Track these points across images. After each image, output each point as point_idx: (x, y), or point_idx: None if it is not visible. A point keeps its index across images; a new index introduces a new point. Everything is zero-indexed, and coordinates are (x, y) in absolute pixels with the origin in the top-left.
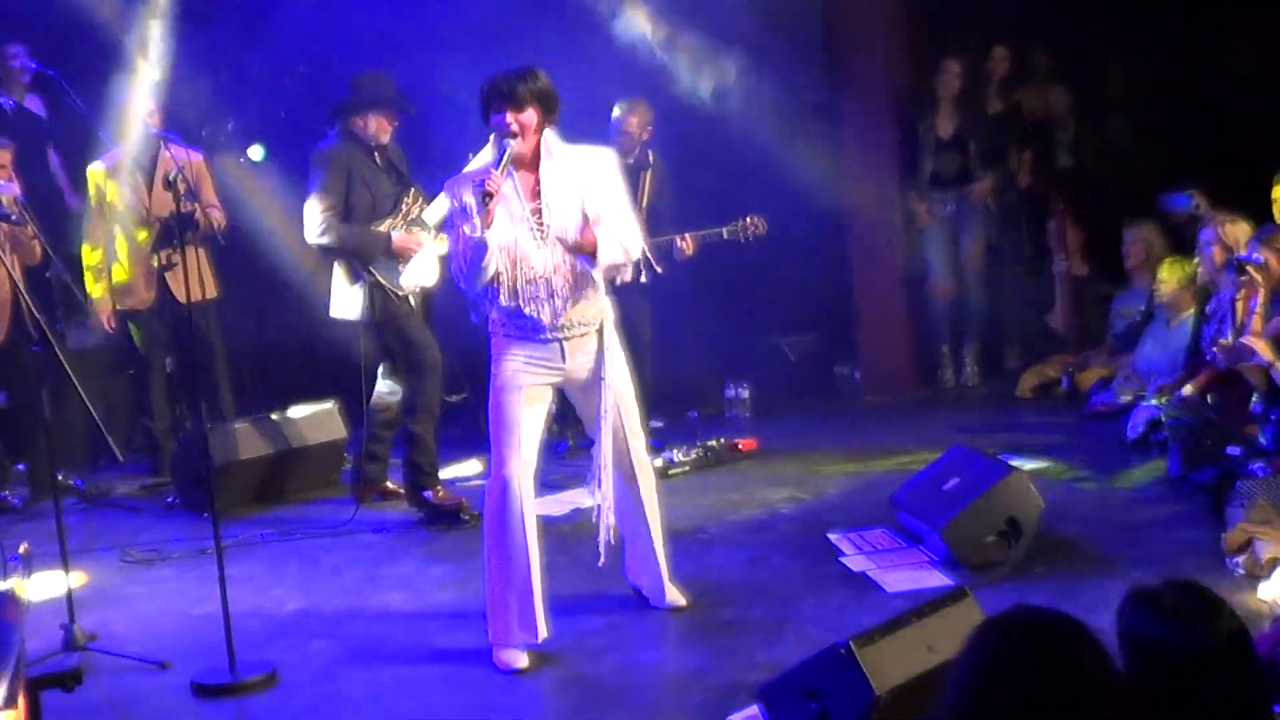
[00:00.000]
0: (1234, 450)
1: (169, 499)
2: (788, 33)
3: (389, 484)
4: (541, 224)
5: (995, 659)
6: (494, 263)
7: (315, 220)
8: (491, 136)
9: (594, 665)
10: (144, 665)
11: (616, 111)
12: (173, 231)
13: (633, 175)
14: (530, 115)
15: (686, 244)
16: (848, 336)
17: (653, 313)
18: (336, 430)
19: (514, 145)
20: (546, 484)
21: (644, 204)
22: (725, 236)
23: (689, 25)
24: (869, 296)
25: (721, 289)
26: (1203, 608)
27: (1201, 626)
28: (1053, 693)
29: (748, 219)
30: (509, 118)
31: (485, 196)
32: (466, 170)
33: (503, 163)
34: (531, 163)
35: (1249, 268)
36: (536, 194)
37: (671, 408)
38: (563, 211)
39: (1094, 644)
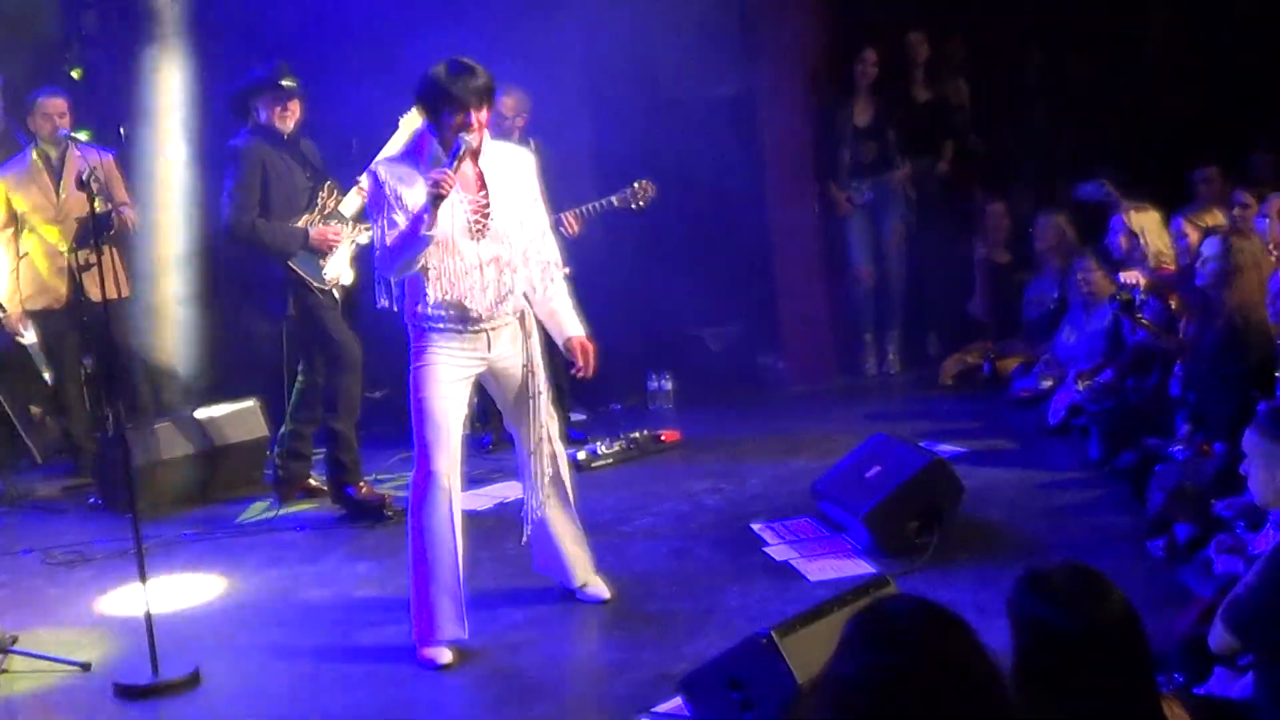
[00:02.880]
0: (1154, 434)
1: (91, 500)
2: (704, 23)
3: (311, 481)
4: (485, 217)
5: (870, 646)
6: (425, 255)
7: (232, 217)
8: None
9: (517, 659)
10: (65, 667)
11: None
12: (89, 231)
13: None
14: (485, 113)
15: (570, 223)
16: (770, 326)
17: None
18: (258, 428)
19: (471, 142)
20: (471, 479)
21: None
22: (616, 205)
23: (604, 14)
24: (790, 286)
25: (643, 280)
26: (1091, 590)
27: (1090, 608)
28: (929, 680)
29: (636, 185)
30: (474, 116)
31: (436, 198)
32: (388, 157)
33: (456, 161)
34: (472, 156)
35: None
36: (480, 186)
37: (594, 400)
38: (505, 207)
39: (965, 631)
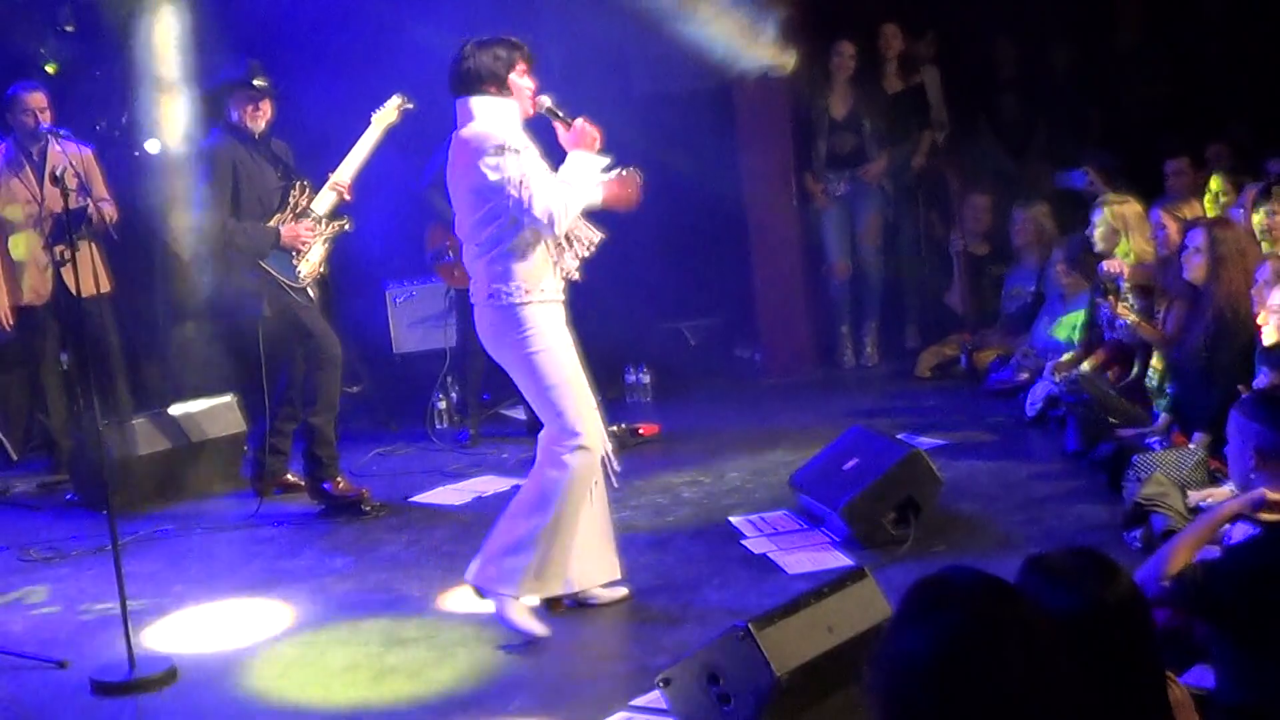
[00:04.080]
0: (1131, 425)
1: (68, 496)
2: (681, 17)
3: (289, 477)
4: None
5: (937, 618)
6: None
7: (204, 217)
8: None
9: (497, 653)
10: (42, 664)
11: None
12: (65, 226)
13: None
14: None
15: None
16: (748, 319)
17: None
18: (236, 424)
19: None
20: (446, 473)
21: None
22: None
23: (580, 8)
24: (768, 279)
25: (621, 273)
26: (1097, 570)
27: (1096, 587)
28: (1001, 652)
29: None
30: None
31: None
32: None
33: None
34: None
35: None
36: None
37: None
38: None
39: (1027, 602)
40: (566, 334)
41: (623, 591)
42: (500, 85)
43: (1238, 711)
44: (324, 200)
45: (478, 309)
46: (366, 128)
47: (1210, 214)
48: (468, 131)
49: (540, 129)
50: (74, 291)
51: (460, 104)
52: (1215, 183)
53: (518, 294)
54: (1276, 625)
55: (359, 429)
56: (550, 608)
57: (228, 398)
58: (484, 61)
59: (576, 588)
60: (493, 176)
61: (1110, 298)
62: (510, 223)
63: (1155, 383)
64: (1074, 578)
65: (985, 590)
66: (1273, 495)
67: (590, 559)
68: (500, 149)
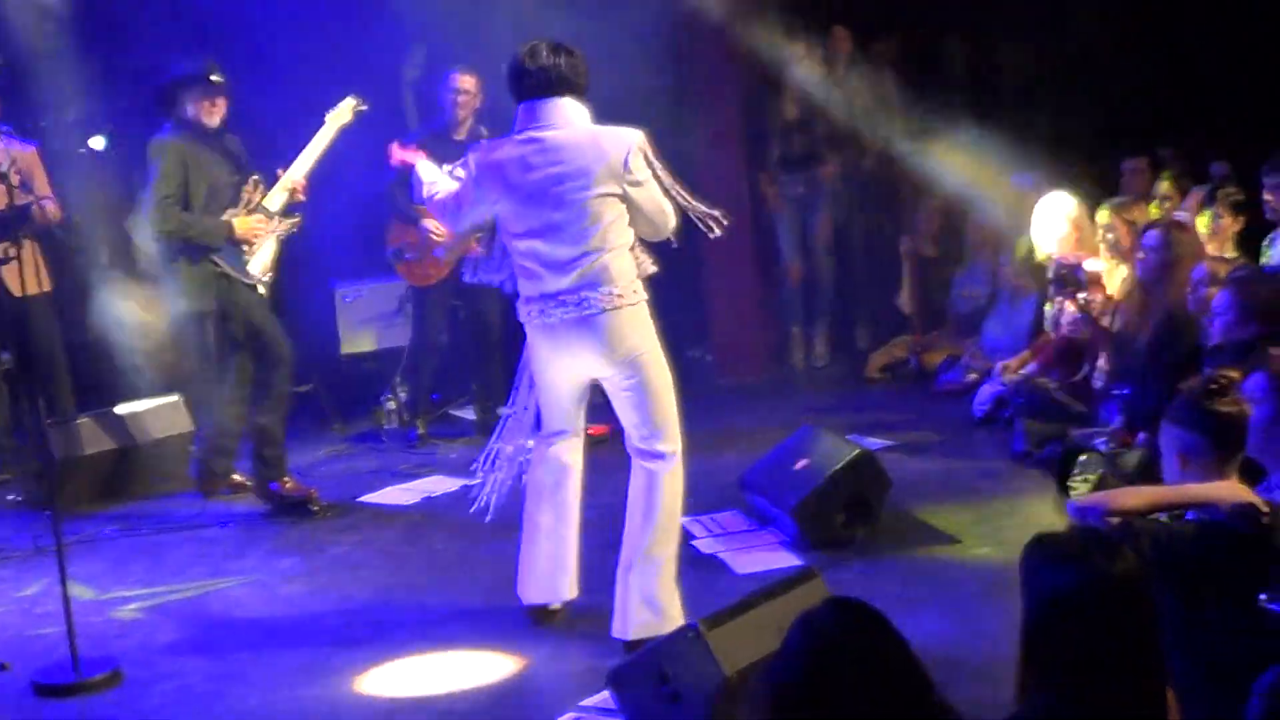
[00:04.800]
0: (1078, 426)
1: (10, 496)
2: (635, 17)
3: (236, 477)
4: None
5: (808, 654)
6: None
7: (155, 211)
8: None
9: (444, 656)
10: None
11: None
12: (7, 225)
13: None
14: None
15: None
16: (699, 319)
17: (503, 300)
18: (182, 424)
19: None
20: (395, 473)
21: None
22: None
23: (535, 7)
24: (720, 279)
25: None
26: (1101, 547)
27: (1099, 561)
28: (860, 687)
29: None
30: None
31: None
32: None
33: None
34: None
35: (1068, 277)
36: None
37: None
38: None
39: (897, 639)
40: None
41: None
42: (584, 90)
43: None
44: (277, 197)
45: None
46: (320, 127)
47: (1154, 217)
48: (597, 129)
49: None
50: (15, 291)
51: (548, 103)
52: (1164, 186)
53: (641, 291)
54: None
55: (307, 429)
56: (540, 619)
57: (174, 397)
58: (576, 64)
59: (566, 597)
60: (643, 174)
61: (1069, 289)
62: (627, 222)
63: (1102, 383)
64: (1078, 554)
65: (851, 621)
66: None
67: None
68: (644, 148)
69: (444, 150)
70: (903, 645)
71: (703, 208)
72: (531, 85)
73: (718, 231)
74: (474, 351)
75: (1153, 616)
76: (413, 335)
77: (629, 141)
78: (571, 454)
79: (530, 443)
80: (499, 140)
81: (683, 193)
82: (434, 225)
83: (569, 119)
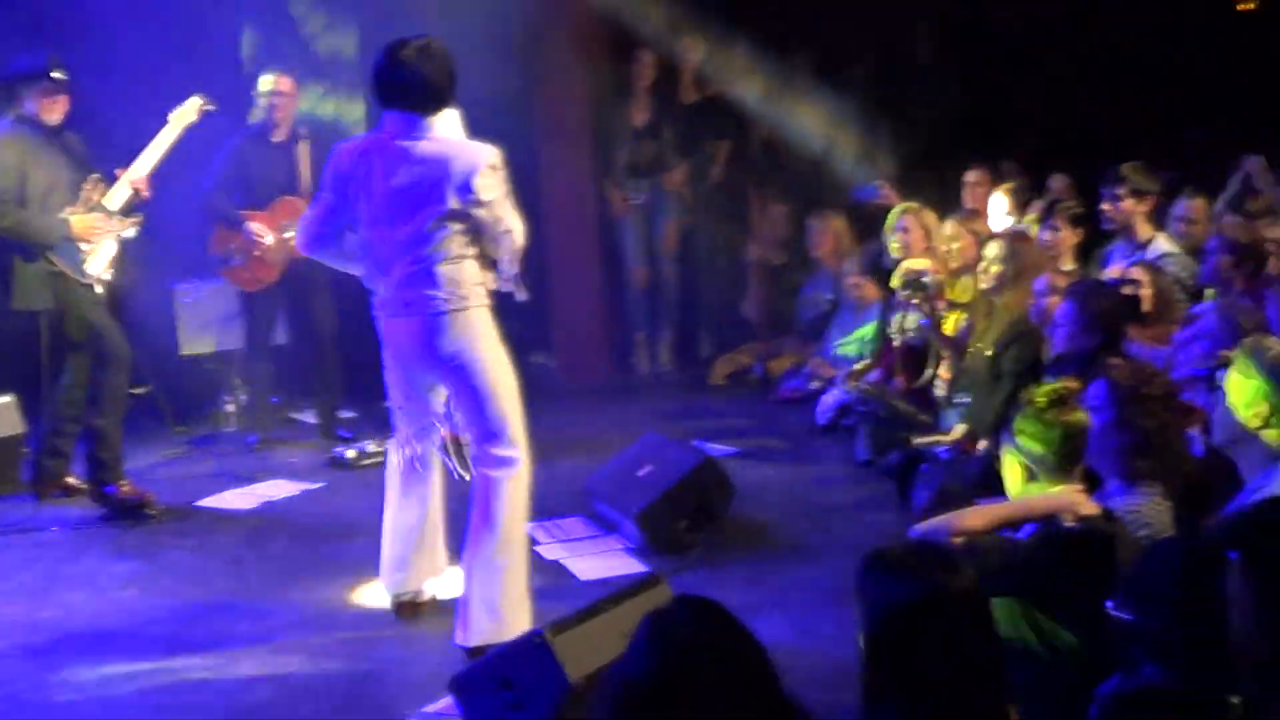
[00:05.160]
0: (920, 434)
1: None
2: (483, 21)
3: (71, 479)
4: None
5: (658, 651)
6: None
7: None
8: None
9: (285, 661)
10: None
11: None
12: None
13: (289, 150)
14: None
15: None
16: (543, 325)
17: (334, 302)
18: (14, 424)
19: None
20: (234, 477)
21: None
22: None
23: (381, 12)
24: (565, 285)
25: None
26: (938, 561)
27: (936, 576)
28: (710, 684)
29: None
30: None
31: None
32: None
33: None
34: None
35: (916, 284)
36: None
37: (365, 398)
38: None
39: (747, 637)
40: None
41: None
42: (448, 92)
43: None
44: (117, 196)
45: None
46: (164, 126)
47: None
48: (450, 143)
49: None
50: None
51: (414, 120)
52: (1004, 198)
53: (475, 296)
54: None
55: (145, 431)
56: (399, 611)
57: (7, 397)
58: (440, 68)
59: (413, 586)
60: (487, 195)
61: (918, 296)
62: (472, 235)
63: (944, 391)
64: (915, 569)
65: (707, 622)
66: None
67: (426, 556)
68: (495, 167)
69: (263, 153)
70: (754, 644)
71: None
72: (396, 97)
73: (520, 296)
74: (307, 354)
75: (991, 630)
76: (244, 340)
77: (477, 160)
78: (426, 448)
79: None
80: (361, 141)
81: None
82: (258, 228)
83: (428, 130)
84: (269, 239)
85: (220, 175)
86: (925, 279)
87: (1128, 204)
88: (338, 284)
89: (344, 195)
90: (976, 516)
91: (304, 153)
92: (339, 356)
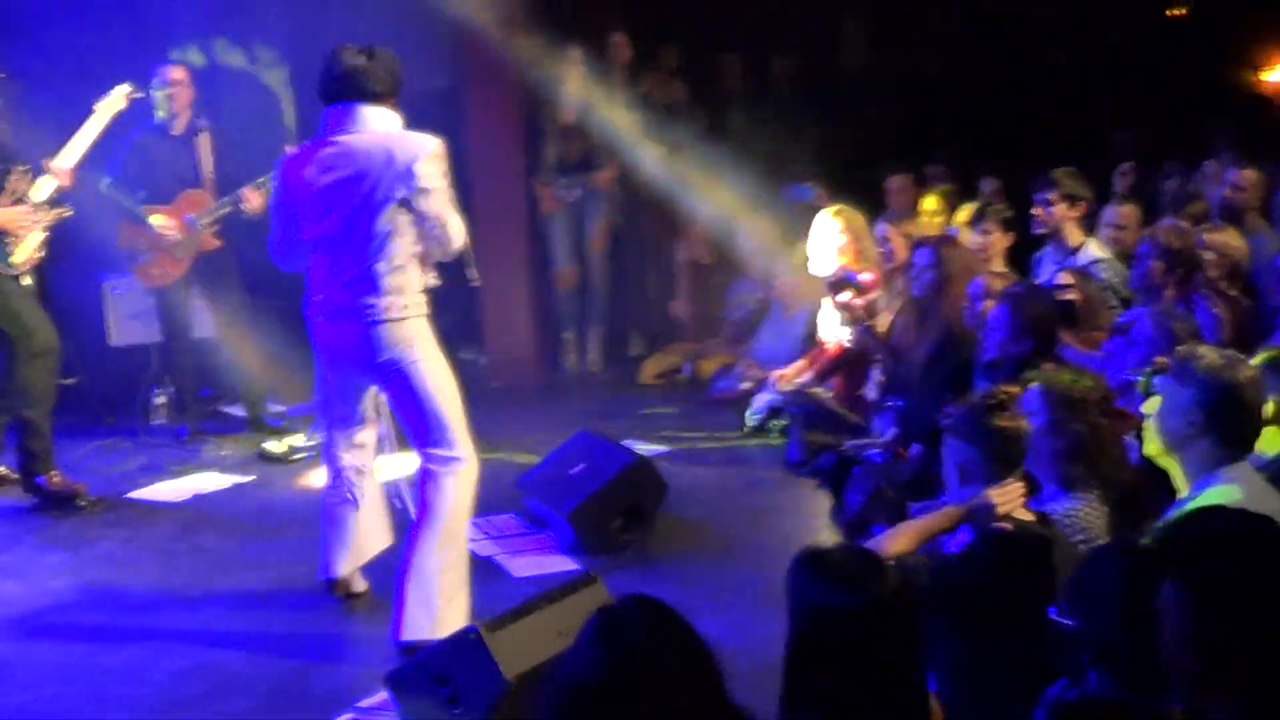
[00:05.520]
0: (852, 436)
1: None
2: (412, 17)
3: (0, 470)
4: None
5: (607, 648)
6: None
7: None
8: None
9: (217, 653)
10: None
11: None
12: None
13: (189, 142)
14: None
15: (251, 198)
16: (472, 322)
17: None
18: None
19: None
20: (164, 469)
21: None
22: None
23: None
24: (494, 282)
25: None
26: (869, 567)
27: (867, 585)
28: (657, 683)
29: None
30: None
31: None
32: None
33: None
34: None
35: (850, 285)
36: None
37: (297, 392)
38: None
39: (694, 638)
40: None
41: (366, 583)
42: (391, 93)
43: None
44: (44, 187)
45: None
46: (90, 115)
47: (925, 233)
48: (392, 134)
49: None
50: None
51: (349, 109)
52: (930, 202)
53: (415, 306)
54: (994, 621)
55: (74, 422)
56: (333, 589)
57: None
58: (380, 67)
59: (348, 571)
60: (431, 183)
61: (850, 294)
62: (414, 236)
63: (876, 395)
64: (846, 574)
65: (655, 621)
66: (998, 500)
67: (372, 534)
68: (438, 155)
69: (163, 146)
70: (701, 645)
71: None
72: (333, 89)
73: (474, 282)
74: (225, 347)
75: (916, 636)
76: (162, 335)
77: (419, 148)
78: (361, 437)
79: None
80: (300, 148)
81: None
82: (162, 222)
83: (364, 122)
84: (174, 234)
85: (119, 170)
86: (853, 279)
87: (1059, 209)
88: (249, 277)
89: (289, 200)
90: (900, 540)
91: (205, 144)
92: (258, 349)
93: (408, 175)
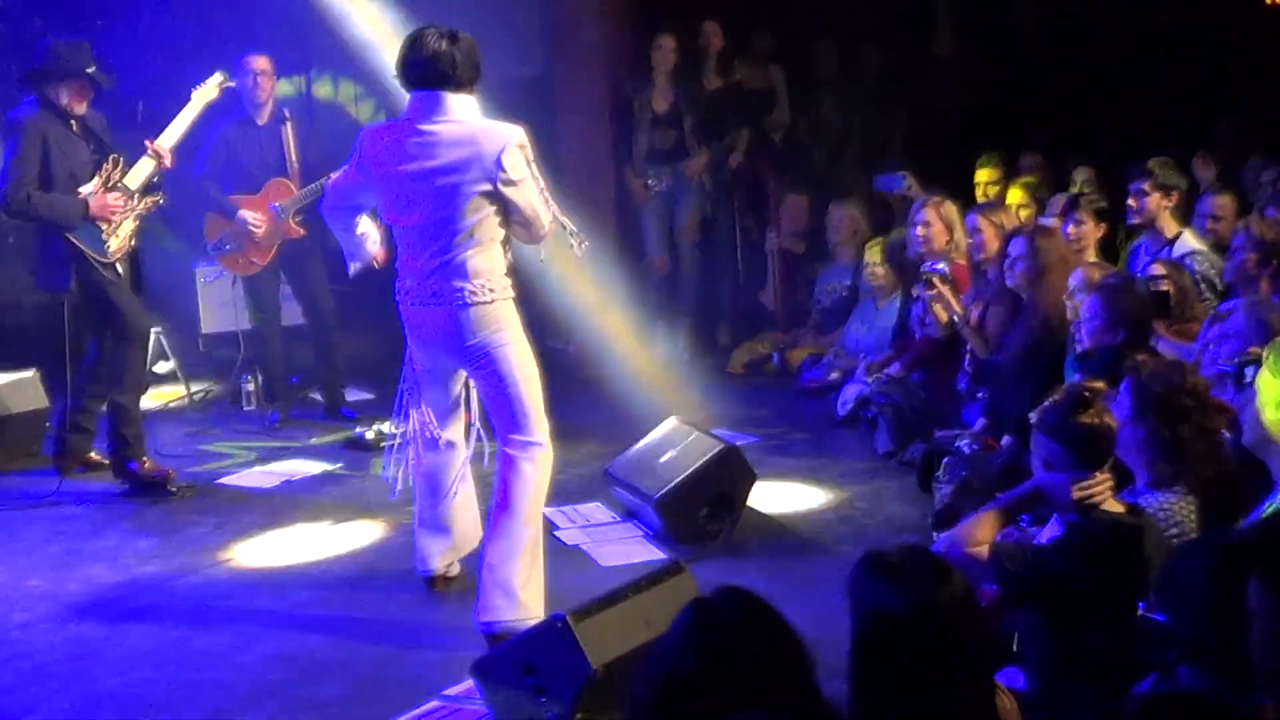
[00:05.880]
0: (941, 427)
1: None
2: (502, 5)
3: (93, 455)
4: None
5: (701, 640)
6: None
7: (9, 189)
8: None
9: (307, 639)
10: None
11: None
12: None
13: (275, 132)
14: None
15: None
16: (562, 310)
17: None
18: (38, 399)
19: None
20: (259, 457)
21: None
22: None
23: None
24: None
25: None
26: (930, 572)
27: (927, 589)
28: (750, 675)
29: None
30: None
31: None
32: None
33: None
34: None
35: (934, 279)
36: None
37: (381, 380)
38: None
39: (787, 630)
40: None
41: (458, 569)
42: (472, 80)
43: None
44: (138, 174)
45: (455, 308)
46: (187, 103)
47: (1018, 222)
48: (477, 124)
49: None
50: None
51: (435, 97)
52: (1014, 195)
53: (502, 289)
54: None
55: (168, 408)
56: (432, 585)
57: (29, 372)
58: (463, 53)
59: (445, 562)
60: (517, 173)
61: (936, 289)
62: (500, 222)
63: (966, 385)
64: (908, 578)
65: (749, 613)
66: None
67: (456, 531)
68: (524, 146)
69: (247, 137)
70: (792, 633)
71: (570, 224)
72: (416, 75)
73: (579, 251)
74: (310, 336)
75: (979, 639)
76: (252, 322)
77: (506, 138)
78: (451, 432)
79: (427, 420)
80: (385, 126)
81: (553, 203)
82: (251, 215)
83: (450, 111)
84: (262, 226)
85: (207, 162)
86: (942, 270)
87: (1154, 199)
88: (334, 265)
89: (366, 175)
90: (983, 525)
91: (290, 134)
92: (339, 336)
93: (495, 166)
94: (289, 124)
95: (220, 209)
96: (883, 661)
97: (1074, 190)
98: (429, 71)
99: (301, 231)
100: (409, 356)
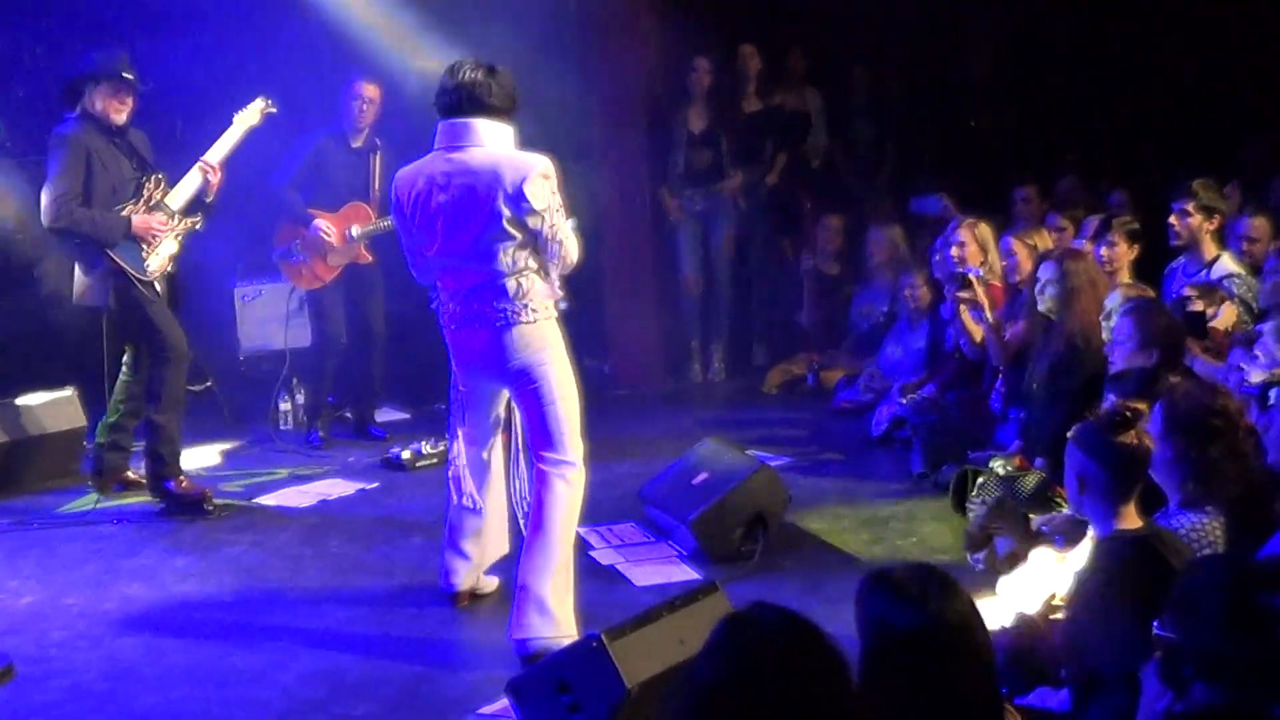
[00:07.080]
0: (975, 448)
1: None
2: (540, 27)
3: (130, 474)
4: None
5: (737, 653)
6: None
7: (52, 204)
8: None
9: (341, 658)
10: None
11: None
12: None
13: (366, 157)
14: None
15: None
16: (598, 329)
17: (387, 301)
18: (75, 418)
19: None
20: (298, 476)
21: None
22: None
23: (438, 17)
24: (620, 290)
25: None
26: (937, 587)
27: (935, 604)
28: (787, 689)
29: None
30: None
31: None
32: None
33: None
34: None
35: (972, 280)
36: None
37: (419, 399)
38: None
39: (826, 644)
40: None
41: (496, 581)
42: (507, 110)
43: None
44: (181, 193)
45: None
46: (229, 126)
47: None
48: (501, 153)
49: None
50: None
51: (462, 124)
52: (1059, 216)
53: (544, 310)
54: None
55: (204, 427)
56: (456, 601)
57: (68, 391)
58: (496, 84)
59: (474, 579)
60: (539, 203)
61: (970, 291)
62: (532, 248)
63: (1000, 406)
64: (913, 595)
65: (786, 627)
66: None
67: (489, 550)
68: (547, 175)
69: (341, 155)
70: (830, 647)
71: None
72: (447, 103)
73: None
74: (356, 357)
75: (986, 656)
76: (315, 337)
77: (529, 167)
78: (488, 452)
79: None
80: (414, 166)
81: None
82: (325, 226)
83: (479, 140)
84: (333, 241)
85: (295, 171)
86: (978, 273)
87: (1196, 220)
88: (392, 287)
89: (408, 220)
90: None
91: (377, 163)
92: (384, 358)
93: (518, 196)
94: (379, 154)
95: (298, 218)
96: (889, 676)
97: (1105, 213)
98: (458, 99)
99: (369, 258)
100: (454, 379)
